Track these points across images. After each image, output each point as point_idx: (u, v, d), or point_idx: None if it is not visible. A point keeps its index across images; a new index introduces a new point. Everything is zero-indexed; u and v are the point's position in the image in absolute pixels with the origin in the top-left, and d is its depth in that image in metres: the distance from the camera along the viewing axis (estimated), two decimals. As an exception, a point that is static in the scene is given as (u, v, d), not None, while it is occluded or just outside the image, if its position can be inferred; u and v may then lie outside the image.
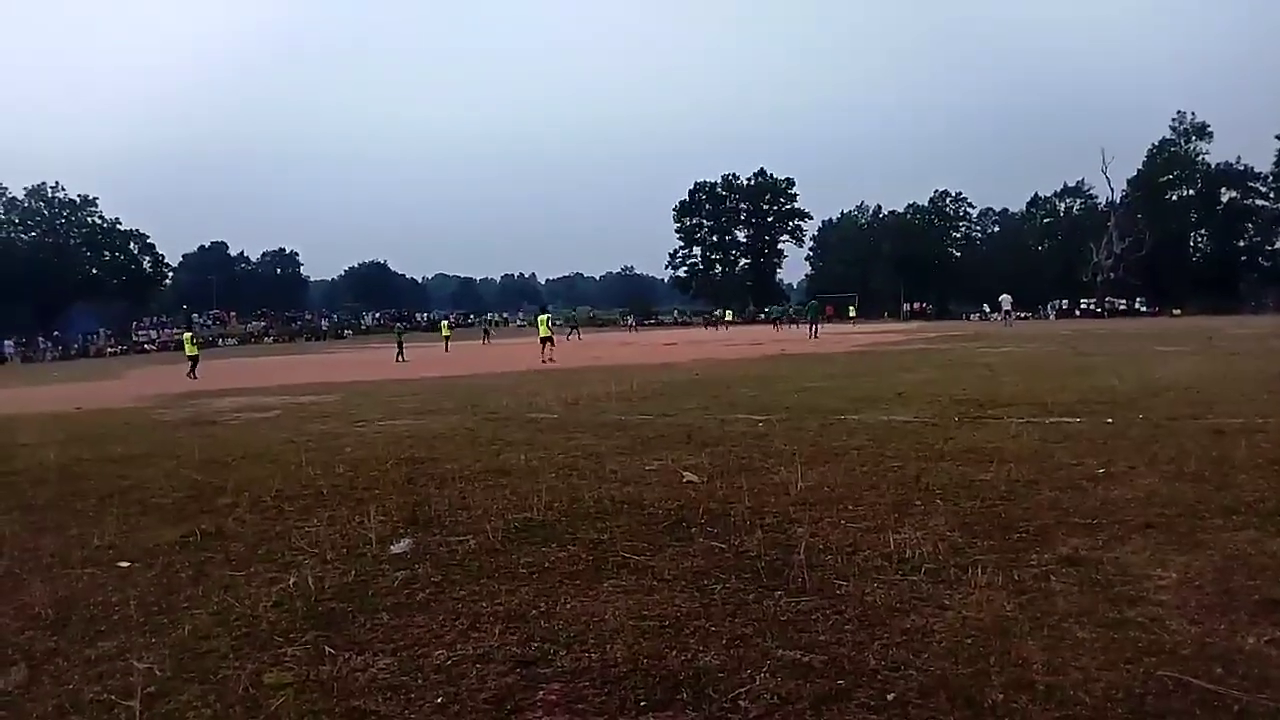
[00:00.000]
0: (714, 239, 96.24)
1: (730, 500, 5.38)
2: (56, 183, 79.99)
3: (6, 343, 62.99)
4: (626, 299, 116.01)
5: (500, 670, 3.02)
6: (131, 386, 23.33)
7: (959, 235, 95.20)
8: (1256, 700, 2.56)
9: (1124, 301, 70.05)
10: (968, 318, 68.52)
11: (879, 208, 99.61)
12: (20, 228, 79.33)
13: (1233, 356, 16.85)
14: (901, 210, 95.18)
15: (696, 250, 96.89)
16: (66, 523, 5.70)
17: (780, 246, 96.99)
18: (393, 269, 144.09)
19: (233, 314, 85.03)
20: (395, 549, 4.63)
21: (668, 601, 3.62)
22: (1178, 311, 61.79)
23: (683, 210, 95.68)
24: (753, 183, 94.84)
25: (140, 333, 73.39)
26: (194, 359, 26.44)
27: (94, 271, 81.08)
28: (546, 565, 4.22)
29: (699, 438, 8.13)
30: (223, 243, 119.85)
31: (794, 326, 51.99)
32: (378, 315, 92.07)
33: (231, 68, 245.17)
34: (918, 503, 5.15)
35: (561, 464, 7.04)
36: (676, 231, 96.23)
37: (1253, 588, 3.48)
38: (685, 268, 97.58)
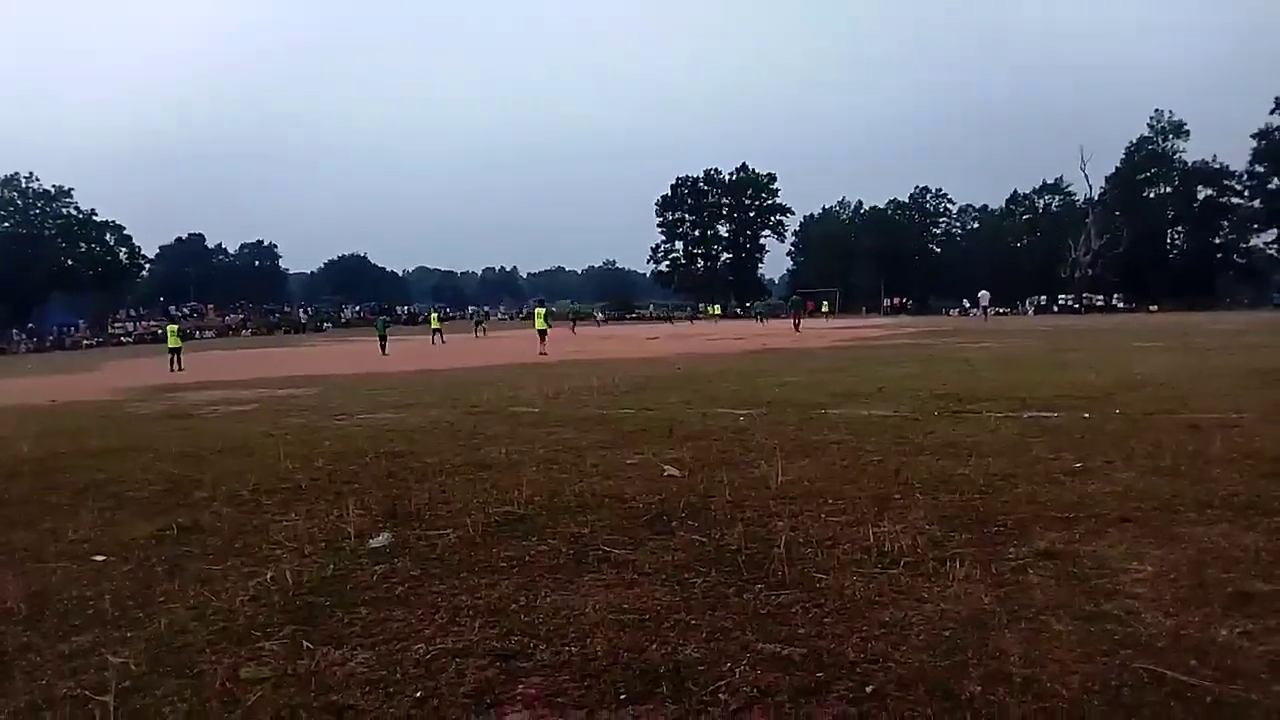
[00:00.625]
0: (696, 233, 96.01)
1: (711, 494, 5.40)
2: (31, 173, 78.44)
3: (-20, 335, 62.03)
4: (608, 293, 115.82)
5: (480, 664, 3.01)
6: (108, 379, 23.05)
7: (939, 231, 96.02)
8: (1229, 691, 2.60)
9: (1102, 298, 70.66)
10: (948, 313, 68.86)
11: (860, 203, 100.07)
12: (-7, 218, 77.95)
13: (1208, 352, 17.05)
14: (883, 206, 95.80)
15: (678, 245, 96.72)
16: (40, 516, 5.63)
17: (762, 241, 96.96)
18: (373, 261, 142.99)
19: (210, 306, 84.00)
20: (374, 543, 4.60)
21: (648, 595, 3.63)
22: (1155, 308, 62.58)
23: (665, 204, 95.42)
24: (735, 177, 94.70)
25: (117, 325, 72.63)
26: (176, 350, 26.15)
27: (69, 263, 79.47)
28: (526, 559, 4.21)
29: (680, 432, 8.15)
30: (200, 235, 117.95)
31: (762, 322, 57.11)
32: (358, 308, 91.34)
33: (211, 62, 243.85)
34: (897, 497, 5.19)
35: (542, 458, 7.03)
36: (658, 226, 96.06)
37: (1226, 580, 3.53)
38: (667, 262, 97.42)
